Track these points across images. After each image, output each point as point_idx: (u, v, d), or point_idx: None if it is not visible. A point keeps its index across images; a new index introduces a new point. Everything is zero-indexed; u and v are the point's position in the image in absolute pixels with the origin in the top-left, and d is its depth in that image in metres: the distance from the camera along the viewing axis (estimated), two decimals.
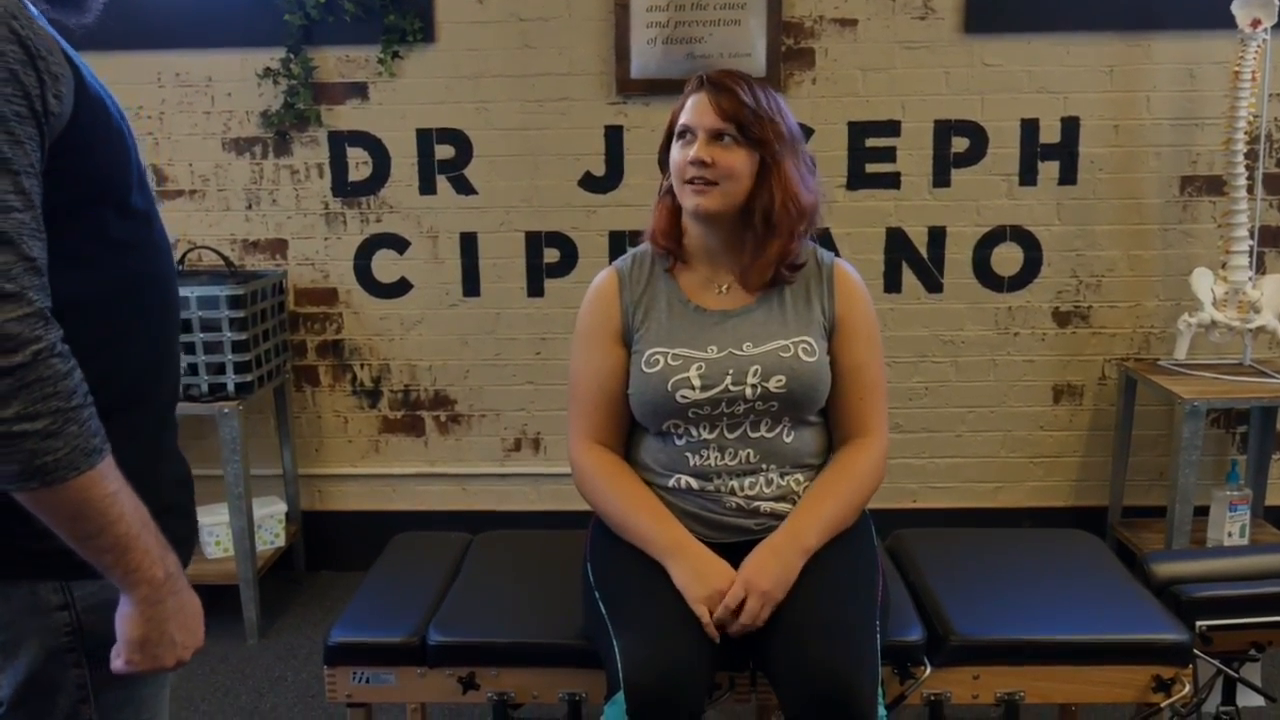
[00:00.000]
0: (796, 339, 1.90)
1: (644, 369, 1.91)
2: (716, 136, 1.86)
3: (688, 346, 1.90)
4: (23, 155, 1.07)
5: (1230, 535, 3.13)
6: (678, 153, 1.89)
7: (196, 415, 3.13)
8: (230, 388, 3.01)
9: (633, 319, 1.96)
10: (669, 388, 1.87)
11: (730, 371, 1.87)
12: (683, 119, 1.90)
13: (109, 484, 1.12)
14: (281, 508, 3.35)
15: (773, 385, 1.87)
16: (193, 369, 3.00)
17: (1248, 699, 2.10)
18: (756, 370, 1.87)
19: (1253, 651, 2.07)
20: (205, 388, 3.01)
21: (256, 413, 3.45)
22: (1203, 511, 3.16)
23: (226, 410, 3.00)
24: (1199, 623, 2.00)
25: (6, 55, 1.05)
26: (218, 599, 3.21)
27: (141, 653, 1.20)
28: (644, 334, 1.94)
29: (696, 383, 1.87)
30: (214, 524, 3.18)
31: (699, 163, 1.84)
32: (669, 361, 1.89)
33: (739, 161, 1.86)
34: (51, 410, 1.07)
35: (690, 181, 1.86)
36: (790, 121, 1.92)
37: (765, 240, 1.89)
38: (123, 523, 1.14)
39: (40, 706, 1.25)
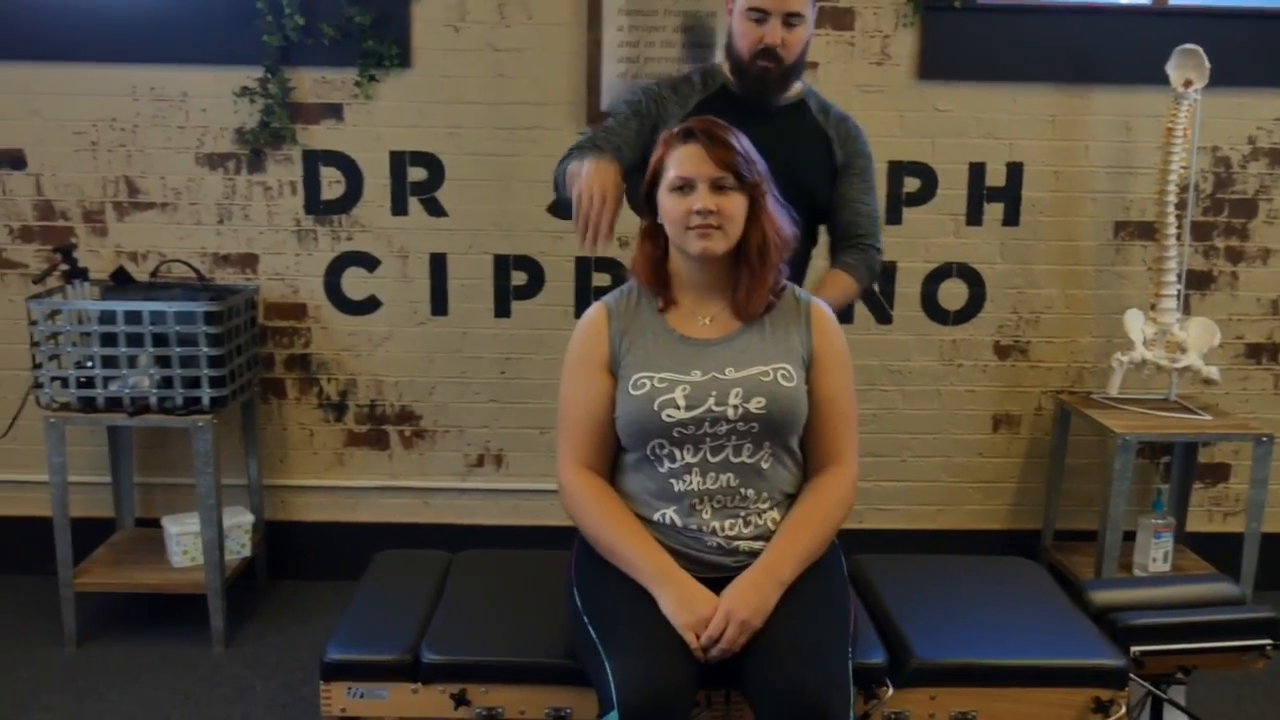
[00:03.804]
0: (776, 365, 2.04)
1: (630, 391, 2.03)
2: (716, 184, 1.99)
3: (673, 371, 2.03)
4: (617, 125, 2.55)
5: (1155, 560, 3.34)
6: (676, 203, 2.00)
7: (169, 427, 3.19)
8: (205, 401, 3.06)
9: (619, 347, 2.08)
10: (654, 407, 2.00)
11: (713, 393, 2.00)
12: (679, 171, 2.00)
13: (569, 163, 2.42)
14: (249, 518, 3.40)
15: (753, 406, 2.00)
16: (168, 382, 3.05)
17: (1174, 719, 2.29)
18: (738, 392, 2.00)
19: (1179, 675, 2.26)
20: (180, 400, 3.06)
21: (223, 423, 3.49)
22: (1129, 536, 3.37)
23: (201, 424, 3.05)
24: (1133, 648, 2.18)
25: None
26: (184, 608, 3.28)
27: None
28: (630, 360, 2.06)
29: (681, 403, 1.99)
30: (182, 533, 3.23)
31: (705, 211, 1.98)
32: (655, 384, 2.02)
33: (737, 205, 2.01)
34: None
35: (695, 228, 1.99)
36: (761, 160, 2.08)
37: (761, 273, 2.05)
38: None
39: None
